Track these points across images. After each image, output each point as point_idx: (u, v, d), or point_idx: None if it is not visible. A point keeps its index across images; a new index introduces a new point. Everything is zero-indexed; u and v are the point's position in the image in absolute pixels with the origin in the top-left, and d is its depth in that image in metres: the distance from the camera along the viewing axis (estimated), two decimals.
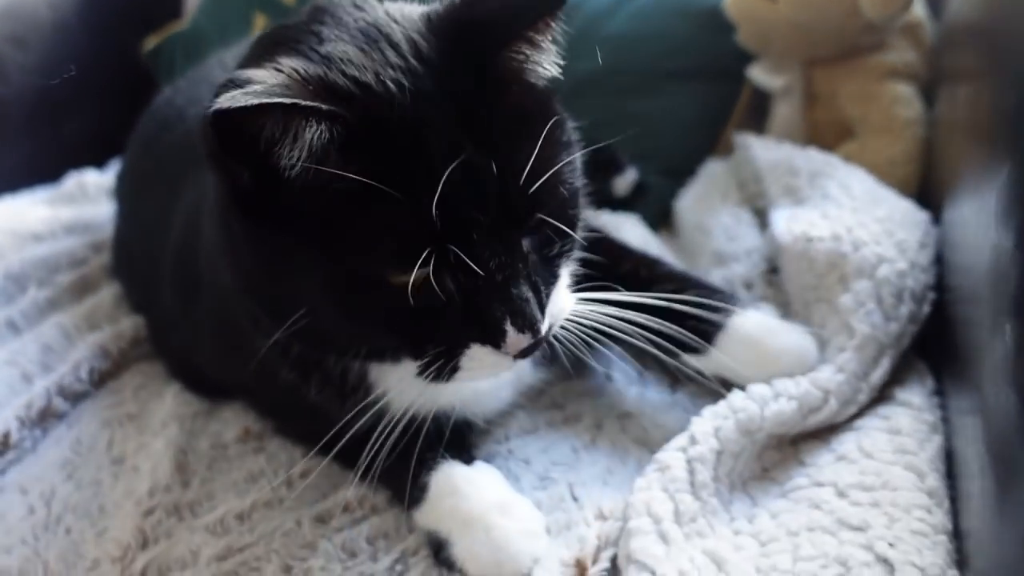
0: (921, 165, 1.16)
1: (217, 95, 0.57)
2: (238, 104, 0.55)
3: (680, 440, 0.73)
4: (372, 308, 0.64)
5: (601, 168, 1.24)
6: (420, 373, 0.67)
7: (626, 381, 0.93)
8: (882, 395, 0.80)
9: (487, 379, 0.70)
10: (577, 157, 0.69)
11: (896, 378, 0.80)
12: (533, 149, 0.62)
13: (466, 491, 0.72)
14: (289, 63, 0.62)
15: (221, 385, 0.94)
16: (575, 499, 0.74)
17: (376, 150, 0.59)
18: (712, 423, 0.73)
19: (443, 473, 0.74)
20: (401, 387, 0.75)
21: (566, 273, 0.70)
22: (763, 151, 1.08)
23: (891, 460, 0.69)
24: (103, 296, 1.14)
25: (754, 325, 0.81)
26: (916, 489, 0.67)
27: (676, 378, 0.93)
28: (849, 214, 0.88)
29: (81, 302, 1.14)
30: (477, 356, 0.65)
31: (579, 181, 0.69)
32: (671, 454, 0.72)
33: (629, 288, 0.76)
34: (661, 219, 1.26)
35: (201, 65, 1.20)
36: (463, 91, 0.62)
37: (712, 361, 0.79)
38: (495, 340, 0.63)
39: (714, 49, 1.35)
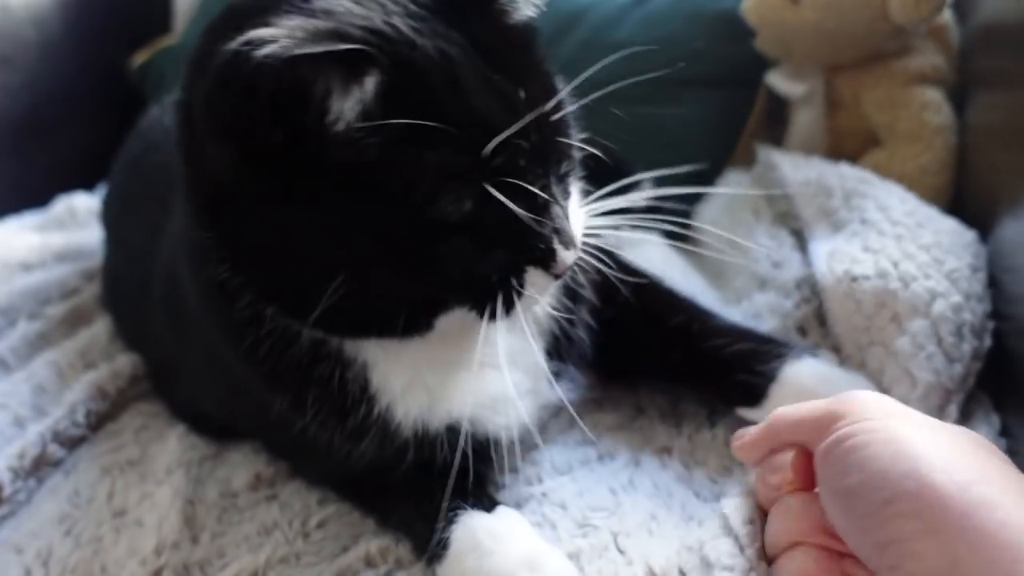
0: (953, 173, 1.12)
1: (237, 55, 0.53)
2: (290, 53, 0.52)
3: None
4: (427, 255, 0.61)
5: (614, 180, 1.20)
6: (481, 314, 0.64)
7: (658, 413, 0.88)
8: None
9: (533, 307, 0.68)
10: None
11: (961, 411, 0.75)
12: (545, 77, 0.65)
13: (490, 547, 0.66)
14: (288, 22, 0.57)
15: (228, 426, 0.88)
16: (621, 551, 0.68)
17: (414, 91, 0.58)
18: None
19: (464, 526, 0.68)
20: (408, 393, 0.71)
21: (576, 189, 0.70)
22: (792, 171, 1.03)
23: None
24: (97, 329, 1.08)
25: (808, 375, 0.76)
26: None
27: (714, 409, 0.88)
28: (893, 244, 0.83)
29: (74, 336, 1.08)
30: (533, 280, 0.65)
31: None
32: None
33: (680, 343, 0.80)
34: (679, 229, 1.21)
35: None
36: (468, 29, 0.62)
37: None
38: (547, 259, 0.64)
39: (730, 55, 1.30)
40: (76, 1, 1.62)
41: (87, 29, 1.64)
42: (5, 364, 1.03)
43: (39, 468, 0.85)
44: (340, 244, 0.60)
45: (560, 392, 0.79)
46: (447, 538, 0.69)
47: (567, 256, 0.64)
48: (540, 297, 0.66)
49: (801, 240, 0.97)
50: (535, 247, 0.64)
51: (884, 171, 1.06)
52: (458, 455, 0.69)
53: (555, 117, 0.63)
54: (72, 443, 0.89)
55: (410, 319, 0.65)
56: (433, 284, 0.63)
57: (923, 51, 1.18)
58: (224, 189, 0.62)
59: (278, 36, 0.54)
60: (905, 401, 0.71)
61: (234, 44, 0.54)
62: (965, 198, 1.07)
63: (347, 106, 0.56)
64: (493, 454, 0.75)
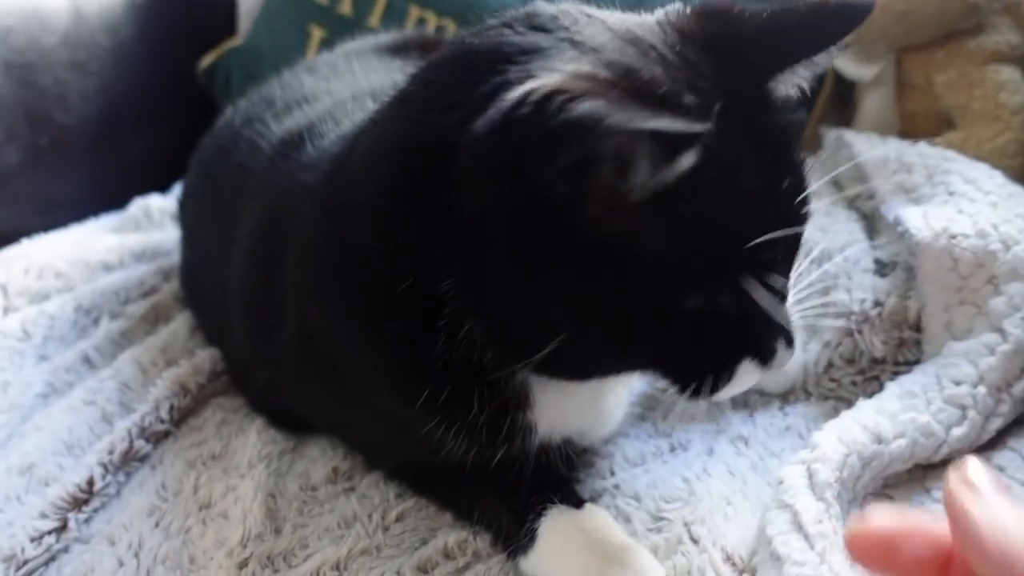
0: None
1: (544, 96, 0.49)
2: (615, 120, 0.47)
3: (802, 453, 0.69)
4: (660, 332, 0.60)
5: None
6: (682, 390, 0.63)
7: (730, 402, 0.87)
8: None
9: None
10: None
11: None
12: (799, 167, 0.61)
13: (579, 541, 0.67)
14: (586, 70, 0.53)
15: (306, 419, 0.90)
16: (695, 541, 0.68)
17: (709, 177, 0.54)
18: (837, 436, 0.68)
19: (553, 520, 0.69)
20: (554, 408, 0.71)
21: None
22: (867, 147, 1.01)
23: None
24: (176, 326, 1.11)
25: None
26: None
27: (785, 397, 0.87)
28: (989, 209, 0.81)
29: (155, 334, 1.11)
30: (745, 371, 0.63)
31: None
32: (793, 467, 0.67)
33: None
34: None
35: (260, 85, 1.17)
36: (747, 109, 0.58)
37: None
38: (767, 357, 0.62)
39: None
40: (146, 7, 1.66)
41: (157, 34, 1.68)
42: (91, 362, 1.06)
43: (127, 462, 0.88)
44: (575, 308, 0.59)
45: (643, 387, 0.81)
46: (535, 529, 0.70)
47: (785, 356, 0.63)
48: (739, 389, 0.65)
49: (869, 221, 0.96)
50: (761, 344, 0.62)
51: (959, 152, 1.03)
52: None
53: (804, 211, 0.61)
54: (157, 438, 0.92)
55: (613, 371, 0.66)
56: (651, 357, 0.63)
57: (998, 28, 1.15)
58: (467, 223, 0.59)
59: (594, 91, 0.50)
60: (991, 355, 0.71)
61: (540, 88, 0.50)
62: None
63: (651, 181, 0.52)
64: (577, 458, 0.77)
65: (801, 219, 0.61)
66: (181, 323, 1.12)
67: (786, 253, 0.62)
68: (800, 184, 0.60)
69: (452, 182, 0.58)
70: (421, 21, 1.51)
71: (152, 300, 1.19)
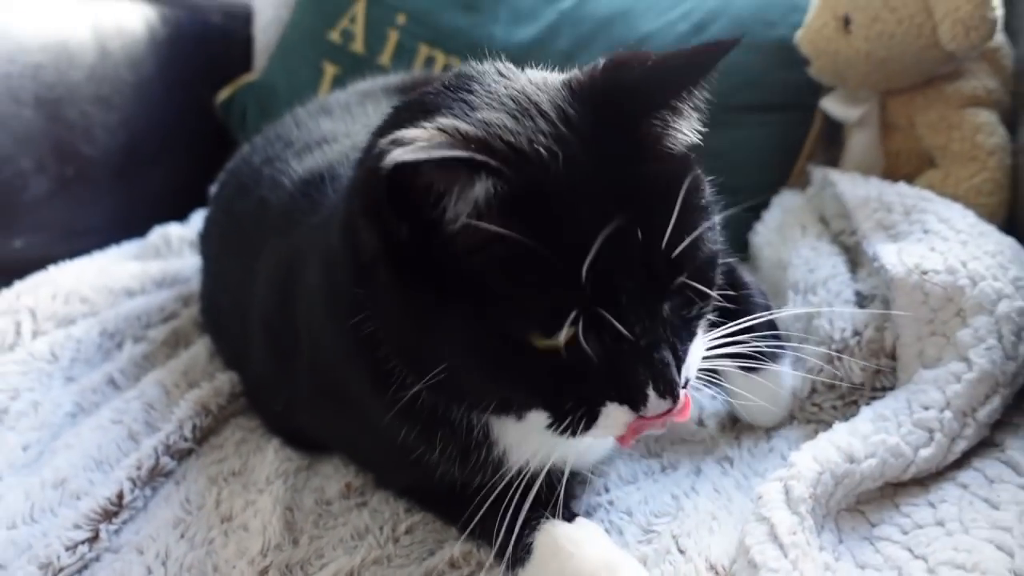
0: (1008, 194, 1.15)
1: (379, 153, 0.59)
2: (419, 157, 0.56)
3: (779, 472, 0.74)
4: (515, 367, 0.64)
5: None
6: (552, 427, 0.67)
7: (718, 424, 0.93)
8: (993, 439, 0.79)
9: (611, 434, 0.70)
10: (716, 220, 0.70)
11: (1009, 422, 0.80)
12: (673, 215, 0.62)
13: (571, 551, 0.72)
14: (447, 122, 0.63)
15: (320, 441, 0.96)
16: (681, 551, 0.74)
17: (532, 214, 0.60)
18: (812, 456, 0.74)
19: (547, 533, 0.75)
20: (522, 442, 0.77)
21: (702, 330, 0.70)
22: (850, 186, 1.08)
23: (986, 536, 0.67)
24: (197, 351, 1.17)
25: None
26: (1006, 572, 0.64)
27: None
28: (959, 247, 0.88)
29: (176, 357, 1.18)
30: (613, 415, 0.66)
31: (718, 244, 0.70)
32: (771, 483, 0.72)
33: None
34: (737, 251, 1.26)
35: (275, 123, 1.24)
36: (609, 157, 0.63)
37: None
38: (636, 403, 0.64)
39: (786, 82, 1.35)
40: (167, 44, 1.74)
41: (177, 70, 1.76)
42: (115, 383, 1.13)
43: (153, 478, 0.94)
44: (439, 338, 0.66)
45: None
46: (531, 543, 0.75)
47: (659, 404, 0.64)
48: (620, 430, 0.67)
49: (851, 256, 1.02)
50: (627, 389, 0.64)
51: (939, 191, 1.09)
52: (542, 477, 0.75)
53: (675, 256, 0.63)
54: (181, 455, 0.98)
55: (501, 406, 0.70)
56: (517, 393, 0.67)
57: (976, 74, 1.21)
58: (370, 262, 0.68)
59: (417, 138, 0.60)
60: (957, 382, 0.78)
61: (385, 141, 0.60)
62: (1018, 218, 1.10)
63: (460, 209, 0.60)
64: (571, 481, 0.82)
65: (663, 267, 0.63)
66: (201, 348, 1.18)
67: (642, 298, 0.62)
68: (659, 229, 0.62)
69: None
70: (430, 59, 1.58)
71: (172, 325, 1.25)
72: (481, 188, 0.59)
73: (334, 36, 1.68)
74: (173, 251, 1.50)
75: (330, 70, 1.68)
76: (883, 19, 1.15)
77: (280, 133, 1.20)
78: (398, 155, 0.56)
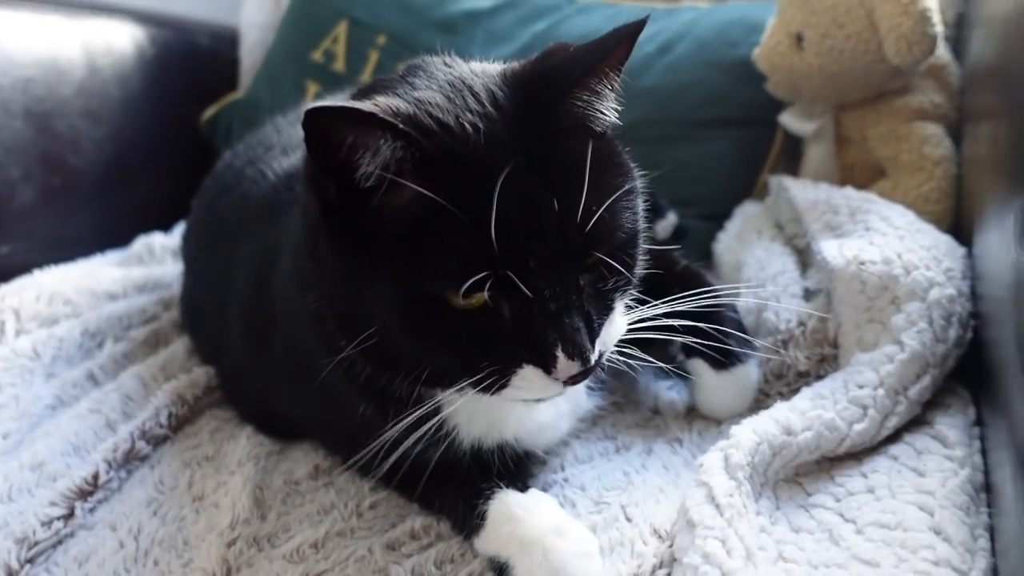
0: (954, 202, 1.20)
1: (309, 111, 0.64)
2: (327, 104, 0.62)
3: (720, 443, 0.78)
4: (434, 327, 0.69)
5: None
6: (473, 386, 0.71)
7: (673, 414, 0.98)
8: (924, 417, 0.83)
9: (540, 400, 0.74)
10: (639, 201, 0.75)
11: (940, 402, 0.84)
12: (588, 191, 0.67)
13: (522, 517, 0.76)
14: (383, 99, 0.70)
15: (292, 425, 1.00)
16: (628, 519, 0.78)
17: (447, 178, 0.66)
18: (751, 428, 0.78)
19: (500, 501, 0.78)
20: (471, 419, 0.81)
21: (621, 304, 0.74)
22: (801, 191, 1.13)
23: (910, 500, 0.72)
24: (175, 349, 1.21)
25: None
26: (926, 528, 0.69)
27: None
28: (896, 241, 0.93)
29: (155, 355, 1.21)
30: (528, 377, 0.69)
31: (640, 224, 0.75)
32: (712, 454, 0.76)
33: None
34: (701, 261, 1.31)
35: (257, 130, 1.29)
36: (531, 135, 0.69)
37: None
38: (546, 364, 0.68)
39: (747, 98, 1.41)
40: (156, 63, 1.80)
41: (164, 88, 1.81)
42: (95, 379, 1.16)
43: (129, 461, 0.98)
44: (368, 300, 0.71)
45: (596, 402, 0.91)
46: (485, 511, 0.79)
47: (568, 367, 0.67)
48: (538, 393, 0.71)
49: (802, 258, 1.07)
50: (538, 350, 0.68)
51: (889, 199, 1.14)
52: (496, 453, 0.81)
53: (589, 229, 0.67)
54: (157, 441, 1.02)
55: (432, 375, 0.73)
56: (439, 354, 0.71)
57: (923, 89, 1.28)
58: (314, 228, 0.74)
59: (345, 103, 0.65)
60: (890, 363, 0.82)
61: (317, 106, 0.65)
62: (960, 224, 1.16)
63: (371, 164, 0.66)
64: (526, 458, 0.87)
65: (576, 236, 0.67)
66: (179, 346, 1.22)
67: (553, 265, 0.66)
68: (573, 201, 0.66)
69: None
70: None
71: (153, 327, 1.29)
72: (388, 148, 0.65)
73: (317, 56, 1.73)
74: (156, 259, 1.54)
75: (312, 88, 1.73)
76: (832, 35, 1.21)
77: (261, 139, 1.25)
78: (316, 104, 0.63)
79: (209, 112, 1.86)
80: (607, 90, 0.72)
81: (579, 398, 0.89)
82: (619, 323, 0.74)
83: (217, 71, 1.95)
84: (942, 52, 1.30)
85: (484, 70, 0.76)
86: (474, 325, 0.68)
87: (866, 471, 0.78)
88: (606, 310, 0.72)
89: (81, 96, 1.62)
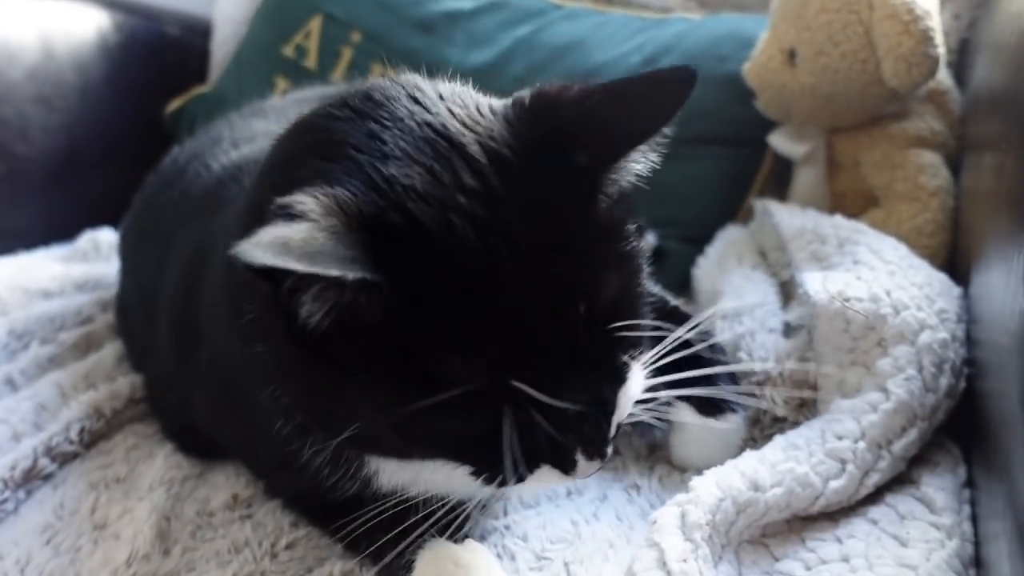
0: (950, 236, 1.13)
1: (241, 248, 0.51)
2: (252, 260, 0.50)
3: (678, 496, 0.69)
4: (435, 436, 0.60)
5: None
6: (478, 479, 0.63)
7: (634, 455, 0.89)
8: (909, 475, 0.75)
9: None
10: (644, 266, 0.65)
11: (927, 459, 0.76)
12: (613, 284, 0.59)
13: (453, 573, 0.68)
14: (343, 192, 0.56)
15: (214, 443, 0.90)
16: None
17: (438, 298, 0.55)
18: (714, 481, 0.69)
19: (431, 552, 0.70)
20: (396, 468, 0.72)
21: (638, 364, 0.64)
22: (787, 217, 1.05)
23: (890, 574, 0.63)
24: (104, 355, 1.12)
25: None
26: None
27: None
28: (886, 277, 0.84)
29: (83, 360, 1.12)
30: (543, 477, 0.62)
31: (646, 286, 0.65)
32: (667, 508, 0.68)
33: None
34: (680, 286, 1.23)
35: (210, 125, 1.21)
36: (549, 215, 0.57)
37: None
38: (565, 468, 0.61)
39: (736, 116, 1.33)
40: (119, 51, 1.71)
41: (128, 76, 1.73)
42: (13, 384, 1.06)
43: (29, 480, 0.88)
44: (348, 405, 0.60)
45: None
46: (412, 561, 0.70)
47: (588, 467, 0.60)
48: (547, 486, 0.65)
49: (786, 289, 0.99)
50: (557, 455, 0.60)
51: (880, 230, 1.07)
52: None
53: (614, 321, 0.58)
54: (64, 458, 0.92)
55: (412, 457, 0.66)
56: (442, 455, 0.63)
57: (922, 115, 1.20)
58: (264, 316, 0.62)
59: (284, 231, 0.52)
60: (873, 412, 0.74)
61: (248, 241, 0.52)
62: (956, 259, 1.08)
63: (316, 311, 0.55)
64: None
65: (600, 328, 0.58)
66: (110, 351, 1.13)
67: (576, 366, 0.57)
68: (598, 299, 0.58)
69: None
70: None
71: (86, 329, 1.20)
72: (338, 298, 0.54)
73: (288, 51, 1.65)
74: (102, 256, 1.44)
75: (282, 85, 1.65)
76: (827, 53, 1.13)
77: (211, 134, 1.17)
78: (243, 251, 0.50)
79: (174, 105, 1.76)
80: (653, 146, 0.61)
81: None
82: (634, 387, 0.63)
83: (187, 63, 1.85)
84: (943, 77, 1.22)
85: (473, 116, 0.61)
86: (486, 435, 0.58)
87: (842, 535, 0.69)
88: (622, 381, 0.62)
89: (33, 81, 1.54)
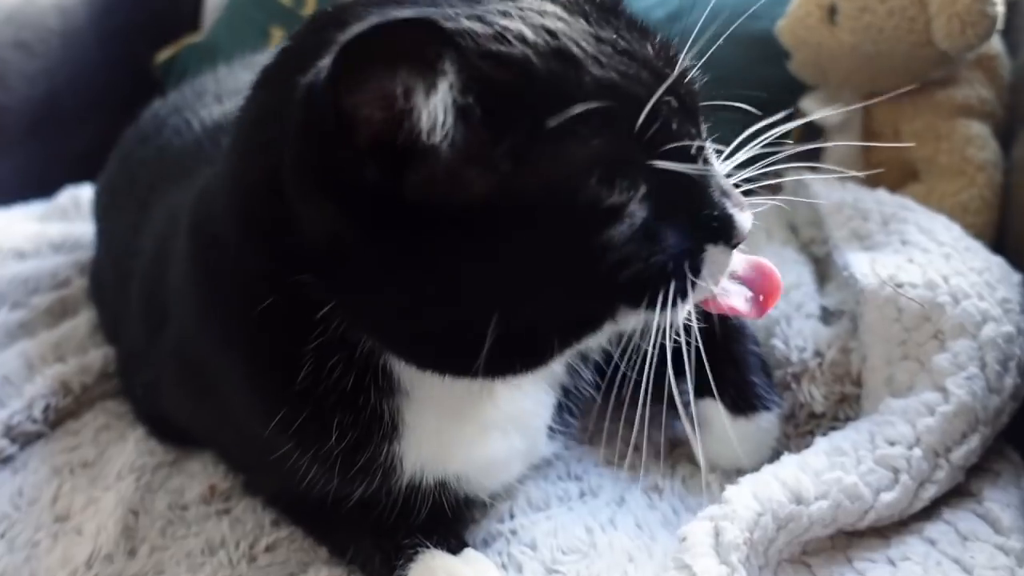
0: (996, 214, 1.04)
1: (307, 85, 0.48)
2: (394, 19, 0.45)
3: (711, 509, 0.61)
4: (593, 261, 0.52)
5: None
6: (657, 306, 0.55)
7: (654, 451, 0.80)
8: (968, 487, 0.67)
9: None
10: None
11: (987, 468, 0.68)
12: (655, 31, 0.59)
13: None
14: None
15: (186, 432, 0.82)
16: None
17: (534, 79, 0.50)
18: (751, 493, 0.61)
19: (423, 565, 0.63)
20: (423, 441, 0.64)
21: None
22: (824, 190, 0.96)
23: None
24: (78, 322, 1.03)
25: None
26: None
27: None
28: (941, 260, 0.76)
29: (55, 328, 1.04)
30: (713, 260, 0.57)
31: None
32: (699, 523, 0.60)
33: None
34: None
35: (195, 79, 1.11)
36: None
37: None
38: (728, 229, 0.56)
39: (765, 78, 1.23)
40: None
41: (114, 21, 1.63)
42: None
43: None
44: (489, 283, 0.52)
45: (553, 449, 0.75)
46: (404, 575, 0.63)
47: (744, 220, 0.57)
48: (717, 283, 0.58)
49: (820, 267, 0.90)
50: (711, 218, 0.56)
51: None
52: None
53: (675, 61, 0.58)
54: (26, 439, 0.85)
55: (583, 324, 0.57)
56: (602, 293, 0.55)
57: (970, 82, 1.10)
58: (327, 252, 0.54)
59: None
60: (929, 415, 0.65)
61: (308, 78, 0.48)
62: (1008, 241, 0.99)
63: (438, 106, 0.48)
64: (465, 506, 0.71)
65: (685, 79, 0.58)
66: (84, 319, 1.04)
67: (686, 116, 0.56)
68: (662, 43, 0.58)
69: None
70: None
71: (61, 293, 1.11)
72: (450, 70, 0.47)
73: None
74: (82, 214, 1.35)
75: (277, 35, 1.55)
76: (872, 10, 1.03)
77: (196, 87, 1.08)
78: (356, 37, 0.44)
79: (164, 54, 1.66)
80: None
81: (536, 438, 0.71)
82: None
83: (178, 7, 1.75)
84: (994, 41, 1.12)
85: None
86: (637, 229, 0.52)
87: (894, 556, 0.61)
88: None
89: (11, 25, 1.44)
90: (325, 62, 0.47)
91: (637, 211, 0.52)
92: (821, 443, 0.68)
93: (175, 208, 0.78)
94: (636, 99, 0.51)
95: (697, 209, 0.55)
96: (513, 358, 0.56)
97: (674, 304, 0.55)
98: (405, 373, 0.61)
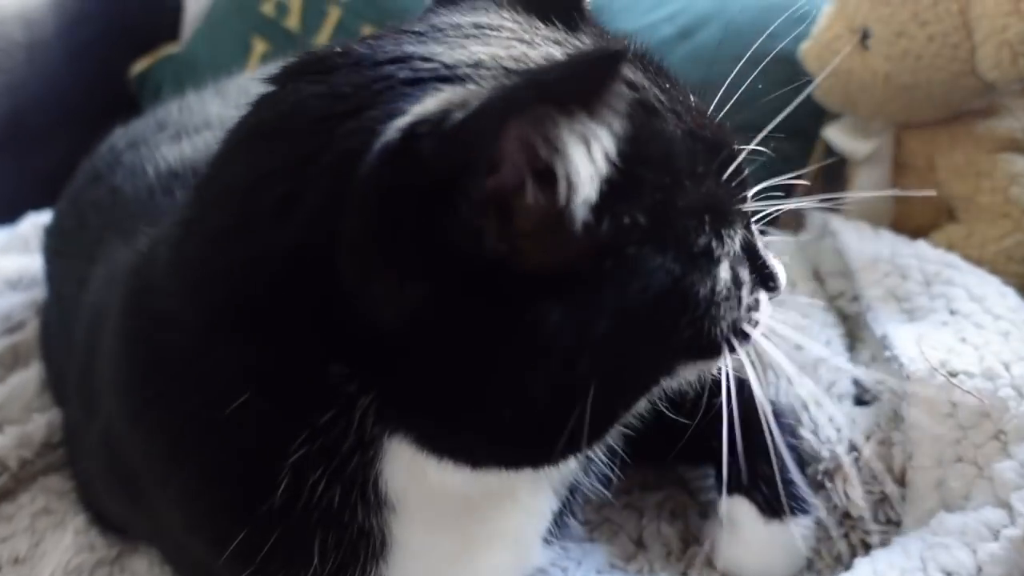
0: None
1: (402, 136, 0.41)
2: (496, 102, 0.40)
3: None
4: (694, 313, 0.49)
5: None
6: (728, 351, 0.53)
7: (663, 550, 0.71)
8: None
9: None
10: None
11: None
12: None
13: None
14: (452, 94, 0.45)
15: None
16: None
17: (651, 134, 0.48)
18: None
19: None
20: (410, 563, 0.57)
21: None
22: (855, 240, 0.86)
23: None
24: (28, 378, 0.93)
25: None
26: None
27: None
28: (999, 340, 0.66)
29: (3, 382, 0.94)
30: (762, 307, 0.55)
31: None
32: None
33: None
34: None
35: (160, 105, 1.01)
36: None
37: None
38: (775, 280, 0.56)
39: (782, 102, 1.14)
40: (76, 3, 1.50)
41: (85, 33, 1.53)
42: None
43: None
44: (589, 352, 0.46)
45: (549, 558, 0.66)
46: None
47: (782, 268, 0.57)
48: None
49: (846, 322, 0.80)
50: (762, 267, 0.56)
51: (959, 252, 0.89)
52: None
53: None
54: None
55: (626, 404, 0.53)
56: (679, 345, 0.51)
57: (1014, 112, 1.01)
58: (389, 336, 0.46)
59: (461, 101, 0.41)
60: (993, 539, 0.55)
61: (396, 129, 0.41)
62: None
63: (593, 168, 0.43)
64: None
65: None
66: (34, 372, 0.94)
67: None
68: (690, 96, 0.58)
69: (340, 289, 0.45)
70: None
71: (13, 339, 1.01)
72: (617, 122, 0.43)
73: (267, 8, 1.46)
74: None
75: (259, 47, 1.45)
76: (910, 35, 0.93)
77: (159, 115, 0.98)
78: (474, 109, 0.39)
79: (140, 66, 1.57)
80: None
81: (530, 549, 0.62)
82: None
83: (157, 18, 1.64)
84: None
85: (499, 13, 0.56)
86: (718, 289, 0.50)
87: None
88: None
89: None
90: (425, 108, 0.42)
91: (733, 260, 0.51)
92: (863, 566, 0.58)
93: (115, 271, 0.68)
94: (724, 148, 0.53)
95: (760, 259, 0.56)
96: (581, 432, 0.48)
97: (732, 350, 0.53)
98: (395, 484, 0.53)
